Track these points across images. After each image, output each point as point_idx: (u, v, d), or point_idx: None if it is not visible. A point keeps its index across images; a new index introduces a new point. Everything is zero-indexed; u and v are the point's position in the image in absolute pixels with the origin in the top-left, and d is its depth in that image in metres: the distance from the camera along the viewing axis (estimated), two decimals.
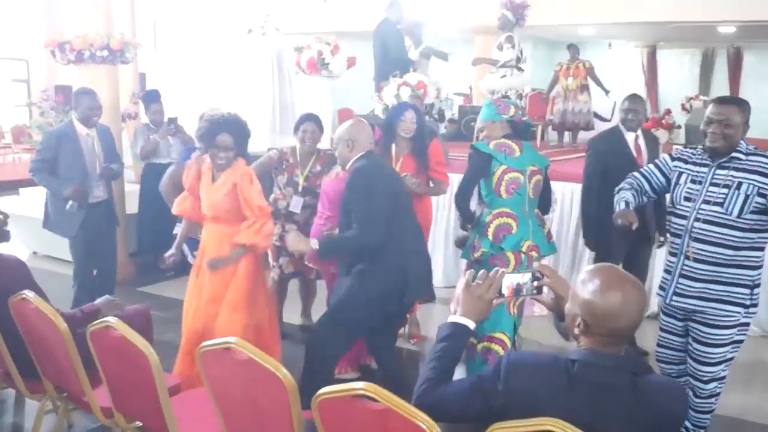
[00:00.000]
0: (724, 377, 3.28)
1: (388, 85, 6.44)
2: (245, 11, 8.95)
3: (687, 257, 3.13)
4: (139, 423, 2.90)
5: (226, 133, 3.67)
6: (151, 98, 6.42)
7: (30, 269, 3.37)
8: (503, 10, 7.54)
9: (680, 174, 3.23)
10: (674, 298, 3.19)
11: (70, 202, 4.64)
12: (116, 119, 6.27)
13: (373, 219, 3.28)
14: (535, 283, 1.96)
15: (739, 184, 3.03)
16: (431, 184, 4.66)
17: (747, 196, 3.00)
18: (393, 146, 4.53)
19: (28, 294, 2.92)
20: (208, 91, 8.18)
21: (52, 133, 4.97)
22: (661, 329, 3.39)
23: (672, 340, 3.35)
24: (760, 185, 2.99)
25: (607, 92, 9.71)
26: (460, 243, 4.86)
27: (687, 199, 3.16)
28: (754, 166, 3.04)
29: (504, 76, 7.47)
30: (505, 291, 1.97)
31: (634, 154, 4.49)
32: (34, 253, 7.51)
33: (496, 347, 3.67)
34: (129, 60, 6.18)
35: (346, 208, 3.42)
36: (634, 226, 3.24)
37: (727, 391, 4.06)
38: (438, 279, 6.28)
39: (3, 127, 13.98)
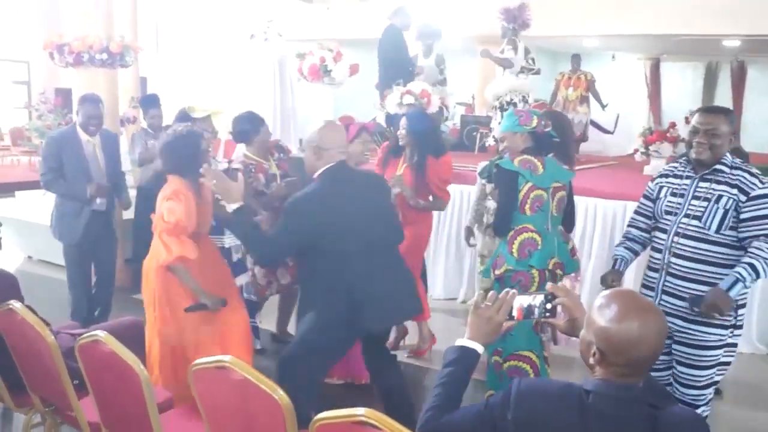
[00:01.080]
0: (709, 401, 3.11)
1: (391, 93, 6.36)
2: (248, 17, 8.90)
3: (669, 273, 3.02)
4: None
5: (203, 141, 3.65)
6: (150, 103, 6.33)
7: (24, 274, 3.27)
8: (501, 21, 7.42)
9: (661, 188, 3.14)
10: None
11: (98, 200, 4.72)
12: (115, 123, 6.19)
13: (283, 243, 3.13)
14: (548, 305, 1.86)
15: (719, 197, 2.91)
16: (431, 198, 4.58)
17: (726, 211, 2.88)
18: (403, 155, 4.52)
19: (15, 305, 2.82)
20: (209, 97, 8.10)
21: (54, 137, 4.92)
22: None
23: None
24: (738, 200, 2.87)
25: (604, 106, 9.65)
26: (468, 236, 4.81)
27: (668, 212, 3.05)
28: (735, 180, 2.92)
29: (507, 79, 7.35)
30: (516, 313, 1.87)
31: None
32: (29, 257, 7.41)
33: (525, 366, 3.55)
34: (129, 63, 6.10)
35: None
36: (617, 286, 3.13)
37: (733, 411, 3.98)
38: (438, 291, 6.20)
39: (2, 129, 13.90)
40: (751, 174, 2.94)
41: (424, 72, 7.23)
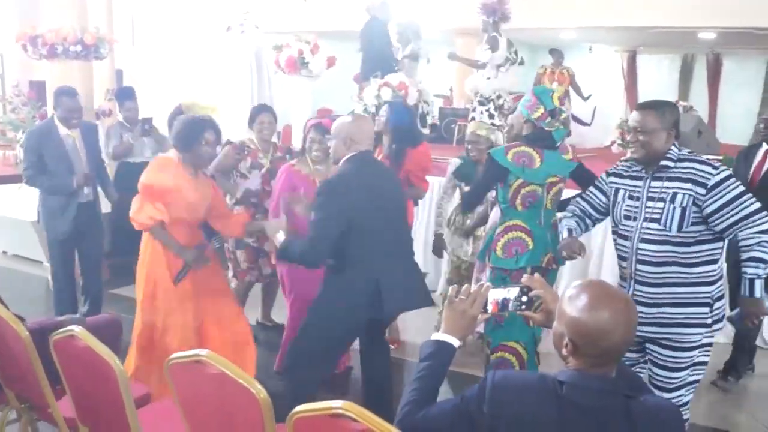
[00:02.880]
0: (687, 402, 3.01)
1: (369, 85, 6.35)
2: (224, 8, 8.82)
3: (637, 282, 2.91)
4: None
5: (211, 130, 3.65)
6: (125, 95, 6.26)
7: None
8: (481, 15, 7.42)
9: (617, 190, 3.04)
10: None
11: (86, 190, 4.68)
12: (90, 116, 6.13)
13: (322, 238, 3.15)
14: (523, 298, 1.87)
15: (674, 195, 2.81)
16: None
17: (684, 209, 2.79)
18: (380, 145, 4.49)
19: None
20: (186, 89, 8.03)
21: (32, 132, 4.88)
22: None
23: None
24: (695, 195, 2.77)
25: (585, 99, 9.73)
26: (437, 250, 4.78)
27: (627, 217, 2.96)
28: (686, 173, 2.82)
29: (489, 78, 7.36)
30: (490, 306, 1.88)
31: (751, 171, 4.00)
32: (4, 252, 7.32)
33: (509, 356, 3.51)
34: (103, 56, 6.05)
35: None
36: (583, 255, 3.06)
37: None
38: None
39: None
40: (701, 162, 2.84)
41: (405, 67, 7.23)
